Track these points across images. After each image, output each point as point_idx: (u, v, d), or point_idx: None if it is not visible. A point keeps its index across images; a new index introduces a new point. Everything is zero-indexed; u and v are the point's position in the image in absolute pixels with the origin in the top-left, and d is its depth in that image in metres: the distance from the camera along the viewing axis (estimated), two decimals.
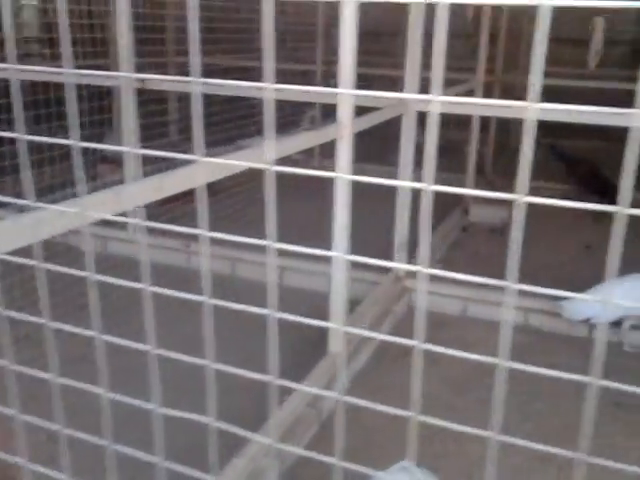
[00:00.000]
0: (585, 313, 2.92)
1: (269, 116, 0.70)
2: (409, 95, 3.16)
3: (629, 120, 0.59)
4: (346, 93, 2.10)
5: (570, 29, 6.06)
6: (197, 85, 0.73)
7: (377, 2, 1.77)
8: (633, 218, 0.59)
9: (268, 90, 0.68)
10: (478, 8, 5.42)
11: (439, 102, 0.62)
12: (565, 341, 2.99)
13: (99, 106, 4.17)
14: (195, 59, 0.71)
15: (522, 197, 0.58)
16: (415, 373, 0.73)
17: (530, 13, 5.40)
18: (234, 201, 3.87)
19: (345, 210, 2.42)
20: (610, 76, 5.97)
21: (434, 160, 3.20)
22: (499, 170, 5.88)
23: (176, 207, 2.86)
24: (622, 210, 0.54)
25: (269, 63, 0.66)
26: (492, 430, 0.71)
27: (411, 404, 0.75)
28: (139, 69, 4.21)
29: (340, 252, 2.48)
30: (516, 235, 0.62)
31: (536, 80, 0.57)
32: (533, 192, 0.56)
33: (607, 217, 0.57)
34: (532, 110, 0.59)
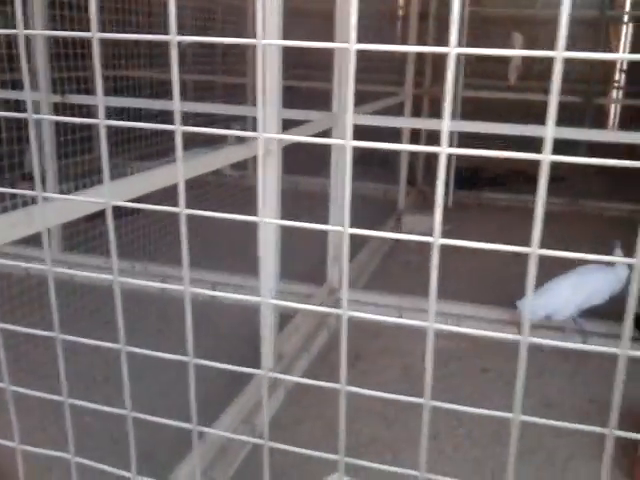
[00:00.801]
0: (544, 311, 2.98)
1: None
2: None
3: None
4: (271, 107, 2.10)
5: (492, 44, 6.28)
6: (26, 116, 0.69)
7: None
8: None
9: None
10: (406, 23, 5.55)
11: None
12: (496, 346, 3.06)
13: (20, 121, 4.00)
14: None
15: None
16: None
17: None
18: (151, 220, 3.75)
19: (272, 233, 2.39)
20: (529, 88, 6.25)
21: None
22: (429, 181, 6.02)
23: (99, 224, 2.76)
24: (437, 240, 0.58)
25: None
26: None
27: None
28: (58, 84, 4.04)
29: (267, 274, 2.45)
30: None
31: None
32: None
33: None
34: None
